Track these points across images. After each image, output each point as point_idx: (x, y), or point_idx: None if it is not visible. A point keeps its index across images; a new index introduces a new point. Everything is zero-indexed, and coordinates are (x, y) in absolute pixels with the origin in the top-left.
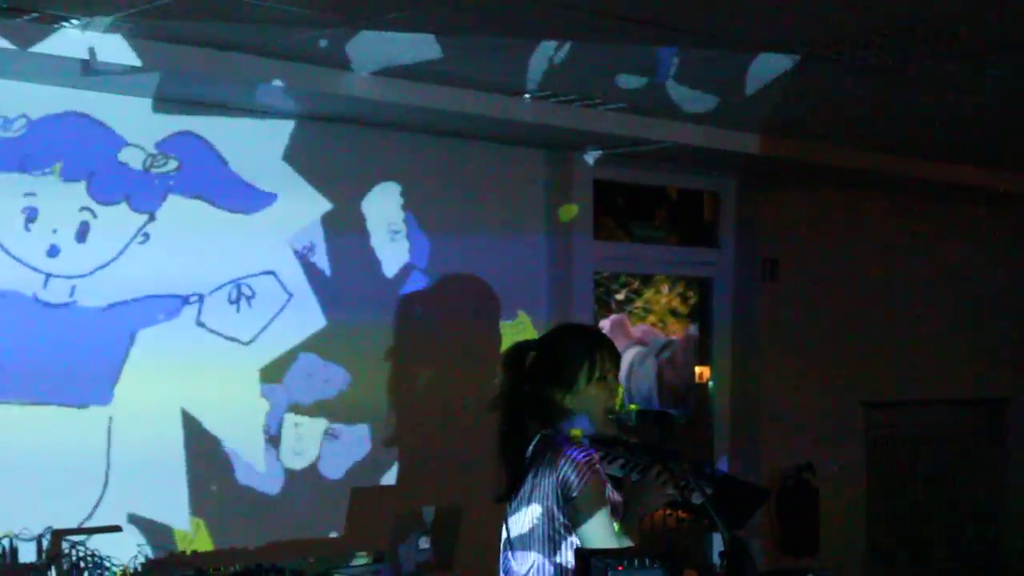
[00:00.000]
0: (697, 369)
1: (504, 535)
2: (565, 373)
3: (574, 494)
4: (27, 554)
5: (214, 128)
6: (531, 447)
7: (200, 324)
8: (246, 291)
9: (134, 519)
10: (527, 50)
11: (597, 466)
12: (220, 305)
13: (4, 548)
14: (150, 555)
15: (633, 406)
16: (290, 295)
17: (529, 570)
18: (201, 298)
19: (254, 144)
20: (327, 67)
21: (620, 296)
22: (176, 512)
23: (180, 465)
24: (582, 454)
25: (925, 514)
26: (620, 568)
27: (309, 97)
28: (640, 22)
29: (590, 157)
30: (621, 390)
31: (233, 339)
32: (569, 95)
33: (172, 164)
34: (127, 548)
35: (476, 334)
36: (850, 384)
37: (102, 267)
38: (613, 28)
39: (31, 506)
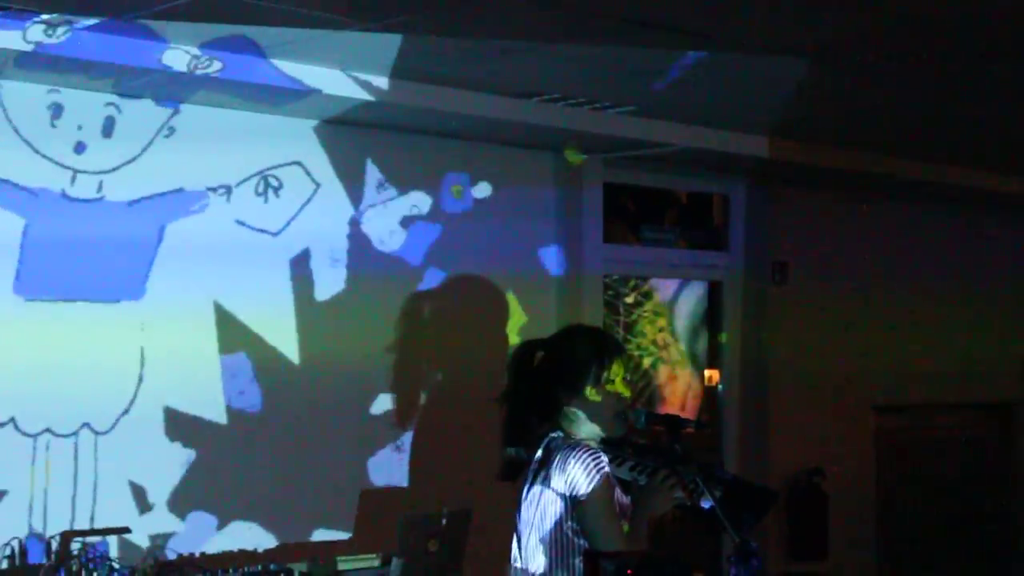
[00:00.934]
0: (707, 372)
1: (514, 541)
2: (572, 375)
3: (583, 497)
4: (36, 555)
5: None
6: (539, 450)
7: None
8: (273, 182)
9: (169, 413)
10: (535, 53)
11: (606, 469)
12: (248, 197)
13: (13, 549)
14: (159, 557)
15: (642, 409)
16: (317, 185)
17: (538, 572)
18: (229, 190)
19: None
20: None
21: (629, 299)
22: (211, 405)
23: (214, 357)
24: (591, 456)
25: (935, 518)
26: (630, 572)
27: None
28: (649, 25)
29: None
30: (628, 394)
31: (262, 231)
32: (578, 98)
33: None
34: (136, 549)
35: (485, 335)
36: (860, 388)
37: (129, 162)
38: (619, 31)
39: (66, 404)
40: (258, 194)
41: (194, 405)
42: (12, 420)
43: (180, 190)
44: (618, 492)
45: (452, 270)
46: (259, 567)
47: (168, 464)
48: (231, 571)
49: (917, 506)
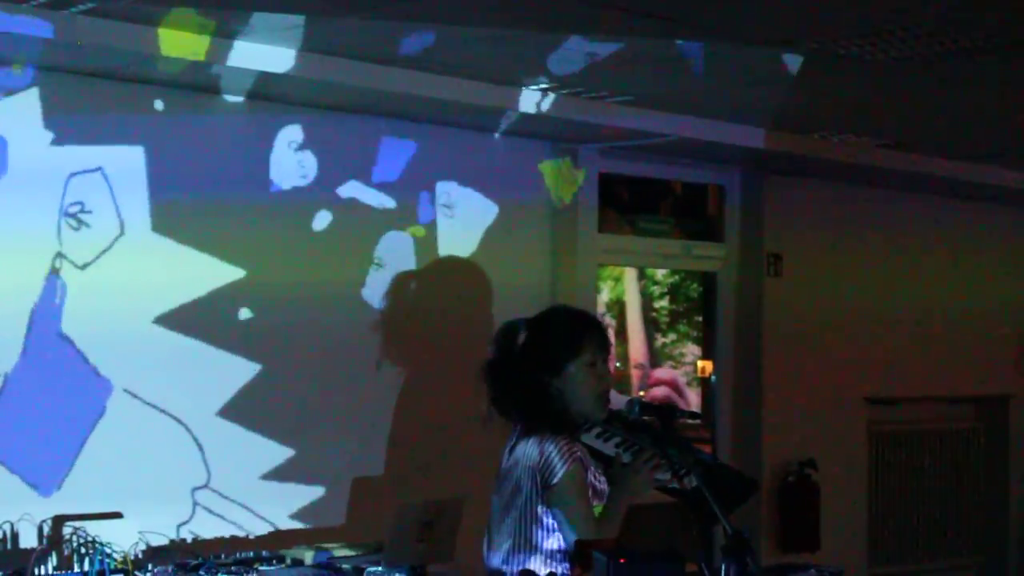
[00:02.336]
0: (700, 363)
1: (489, 521)
2: (553, 354)
3: (554, 481)
4: (28, 539)
5: None
6: (516, 430)
7: None
8: None
9: None
10: (532, 42)
11: (579, 454)
12: None
13: (5, 533)
14: (151, 542)
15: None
16: None
17: (504, 555)
18: None
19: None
20: (328, 55)
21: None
22: None
23: None
24: (566, 442)
25: (927, 510)
26: (623, 561)
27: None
28: (646, 15)
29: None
30: (609, 376)
31: None
32: (575, 87)
33: None
34: (128, 535)
35: (479, 323)
36: (853, 380)
37: None
38: (619, 21)
39: None
40: None
41: None
42: None
43: None
44: (592, 475)
45: (447, 259)
46: (251, 553)
47: None
48: (223, 556)
49: (909, 498)
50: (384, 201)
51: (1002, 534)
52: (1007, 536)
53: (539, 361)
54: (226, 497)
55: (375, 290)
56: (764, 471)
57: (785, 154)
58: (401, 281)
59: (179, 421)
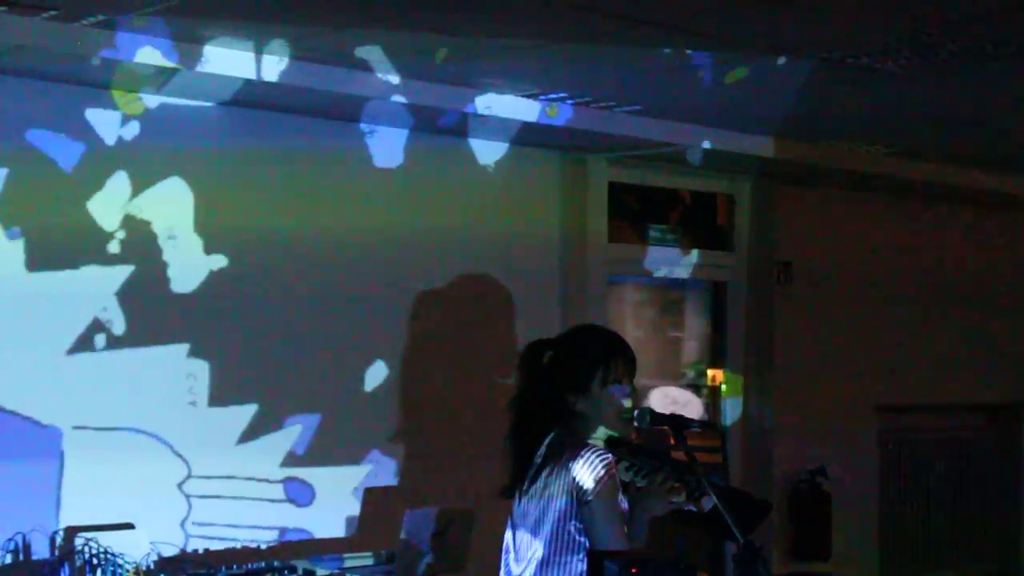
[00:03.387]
0: (709, 372)
1: (509, 535)
2: (579, 375)
3: (589, 498)
4: (40, 550)
5: None
6: (544, 446)
7: None
8: None
9: None
10: (542, 53)
11: (613, 471)
12: None
13: (17, 544)
14: (162, 553)
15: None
16: None
17: (534, 571)
18: None
19: None
20: (333, 65)
21: None
22: None
23: None
24: (600, 457)
25: (938, 519)
26: (634, 571)
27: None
28: (656, 25)
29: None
30: (635, 395)
31: None
32: (584, 97)
33: None
34: (139, 546)
35: (490, 334)
36: (864, 388)
37: None
38: (629, 31)
39: None
40: None
41: None
42: None
43: None
44: (620, 495)
45: (458, 268)
46: (262, 564)
47: None
48: (234, 567)
49: (920, 506)
50: None
51: (1014, 543)
52: (1019, 544)
53: (566, 380)
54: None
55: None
56: (775, 479)
57: (795, 163)
58: (423, 297)
59: (140, 431)
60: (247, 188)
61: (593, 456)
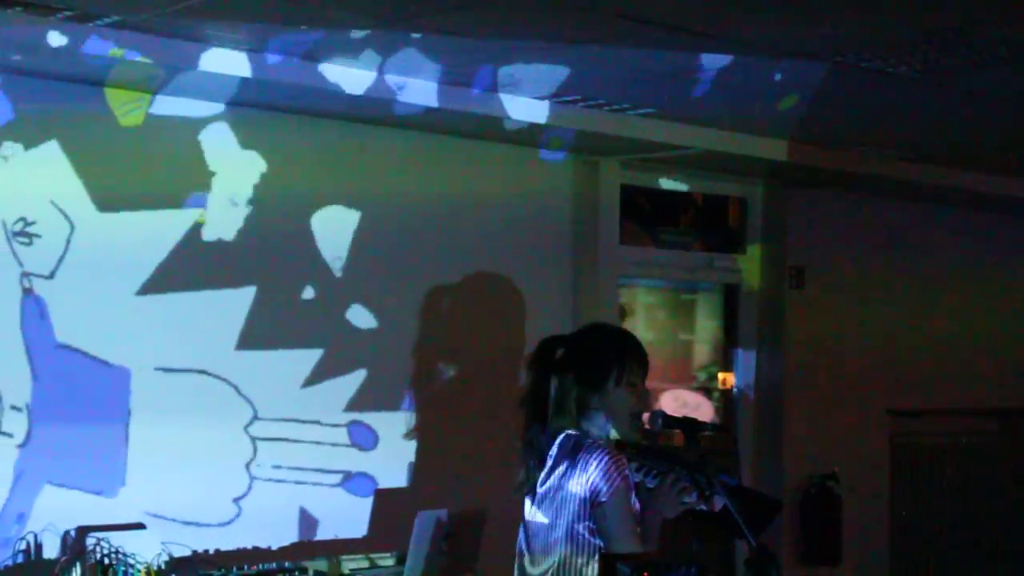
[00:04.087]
0: (720, 375)
1: (522, 536)
2: (592, 373)
3: (603, 499)
4: (51, 550)
5: None
6: (555, 446)
7: None
8: None
9: None
10: (554, 54)
11: (626, 471)
12: None
13: (29, 544)
14: (173, 553)
15: (660, 411)
16: None
17: (545, 571)
18: None
19: None
20: (350, 67)
21: None
22: None
23: None
24: (612, 458)
25: (949, 523)
26: (646, 574)
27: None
28: (669, 27)
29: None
30: (646, 397)
31: None
32: (597, 99)
33: None
34: (151, 545)
35: (501, 334)
36: (875, 392)
37: None
38: (642, 33)
39: None
40: None
41: None
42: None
43: None
44: (632, 496)
45: (469, 270)
46: (273, 564)
47: None
48: (245, 568)
49: (931, 511)
50: None
51: None
52: None
53: (579, 378)
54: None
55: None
56: (785, 484)
57: (808, 167)
58: (432, 296)
59: (206, 373)
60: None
61: (606, 457)
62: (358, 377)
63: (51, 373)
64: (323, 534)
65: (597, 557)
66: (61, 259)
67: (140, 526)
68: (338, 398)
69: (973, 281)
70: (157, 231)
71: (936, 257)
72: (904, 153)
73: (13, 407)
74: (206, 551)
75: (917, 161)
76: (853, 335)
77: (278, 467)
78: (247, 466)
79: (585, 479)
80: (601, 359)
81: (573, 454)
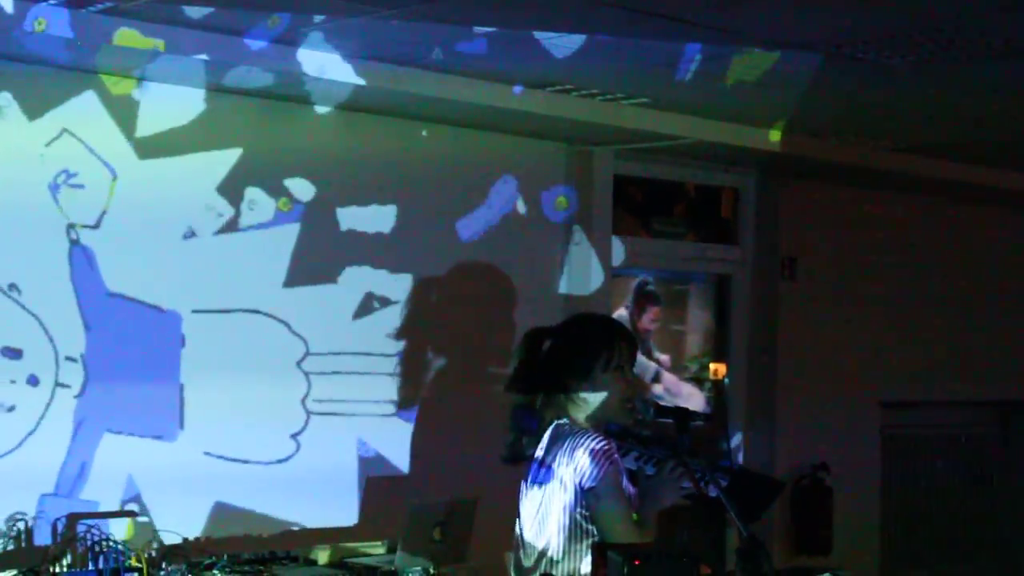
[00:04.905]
0: (712, 365)
1: (518, 527)
2: (582, 360)
3: (592, 484)
4: (42, 536)
5: None
6: (546, 436)
7: None
8: None
9: None
10: (548, 43)
11: (615, 456)
12: None
13: (19, 531)
14: (164, 541)
15: (651, 400)
16: None
17: (540, 560)
18: None
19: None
20: (346, 55)
21: None
22: None
23: None
24: (600, 443)
25: (940, 514)
26: (637, 563)
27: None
28: (663, 17)
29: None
30: (637, 381)
31: None
32: (590, 89)
33: None
34: (142, 532)
35: (492, 323)
36: (867, 383)
37: None
38: (636, 23)
39: None
40: None
41: None
42: None
43: None
44: (625, 481)
45: (458, 259)
46: (265, 552)
47: None
48: (237, 556)
49: (922, 502)
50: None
51: (1018, 540)
52: (1021, 541)
53: (568, 365)
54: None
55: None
56: (777, 474)
57: (801, 157)
58: (422, 286)
59: (257, 312)
60: None
61: (595, 443)
62: (458, 243)
63: (103, 322)
64: (379, 467)
65: (588, 545)
66: (105, 208)
67: (133, 514)
68: (388, 328)
69: (966, 273)
70: (198, 174)
71: (929, 249)
72: (898, 145)
73: (68, 358)
74: (196, 538)
75: (911, 153)
76: (845, 326)
77: (333, 400)
78: (302, 401)
79: (574, 466)
80: (590, 345)
81: (561, 442)
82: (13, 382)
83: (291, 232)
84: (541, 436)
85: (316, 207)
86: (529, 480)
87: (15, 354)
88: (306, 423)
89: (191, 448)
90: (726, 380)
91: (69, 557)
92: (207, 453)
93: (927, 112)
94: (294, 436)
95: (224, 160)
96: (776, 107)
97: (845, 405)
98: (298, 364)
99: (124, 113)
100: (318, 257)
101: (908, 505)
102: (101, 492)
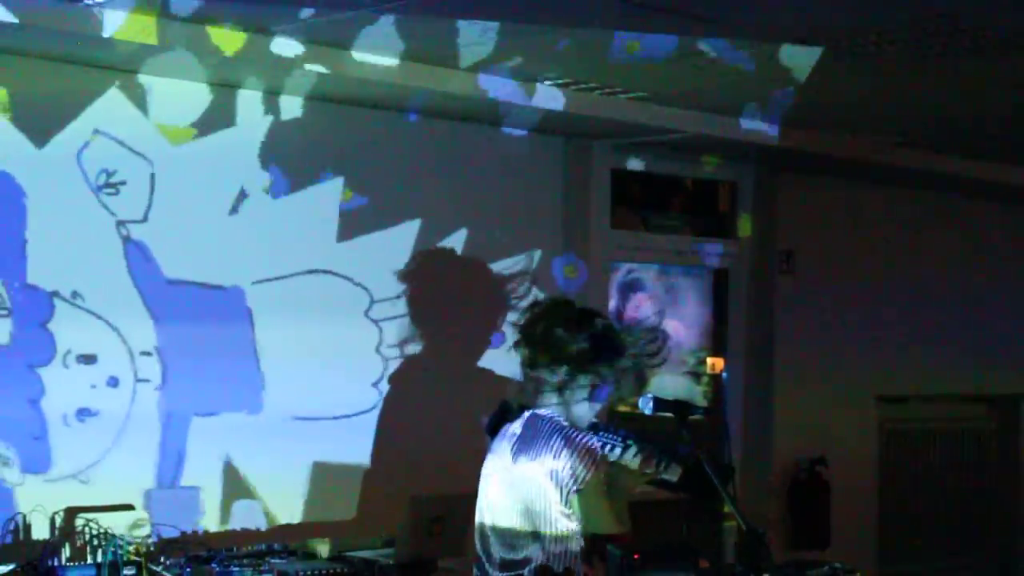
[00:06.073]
0: (710, 360)
1: (482, 518)
2: (562, 355)
3: (580, 484)
4: (40, 531)
5: None
6: (520, 423)
7: None
8: None
9: None
10: (548, 37)
11: (598, 455)
12: None
13: (18, 524)
14: (162, 534)
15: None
16: None
17: (524, 551)
18: None
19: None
20: (343, 49)
21: None
22: None
23: None
24: (589, 440)
25: (937, 508)
26: (636, 556)
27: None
28: (665, 11)
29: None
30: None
31: None
32: (589, 83)
33: None
34: (140, 526)
35: (483, 318)
36: (865, 378)
37: None
38: (638, 16)
39: None
40: None
41: None
42: None
43: None
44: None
45: (457, 251)
46: (263, 546)
47: None
48: (235, 549)
49: (919, 496)
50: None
51: (1014, 533)
52: (1019, 535)
53: (549, 360)
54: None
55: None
56: (774, 468)
57: (799, 151)
58: (401, 276)
59: (316, 271)
60: None
61: (580, 440)
62: (460, 236)
63: (169, 311)
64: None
65: (578, 538)
66: (150, 199)
67: (130, 507)
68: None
69: (965, 267)
70: (232, 149)
71: (928, 243)
72: (896, 138)
73: (143, 352)
74: (194, 532)
75: (909, 147)
76: (843, 320)
77: (406, 342)
78: (377, 349)
79: (560, 463)
80: (570, 341)
81: (539, 434)
82: (94, 387)
83: (334, 188)
84: (508, 417)
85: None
86: (508, 464)
87: (90, 360)
88: (384, 370)
89: (279, 416)
90: (724, 374)
91: (68, 550)
92: (296, 417)
93: (925, 105)
94: (374, 384)
95: (254, 132)
96: (774, 101)
97: (843, 399)
98: (365, 314)
99: (150, 103)
100: (364, 206)
101: (906, 499)
102: (201, 477)
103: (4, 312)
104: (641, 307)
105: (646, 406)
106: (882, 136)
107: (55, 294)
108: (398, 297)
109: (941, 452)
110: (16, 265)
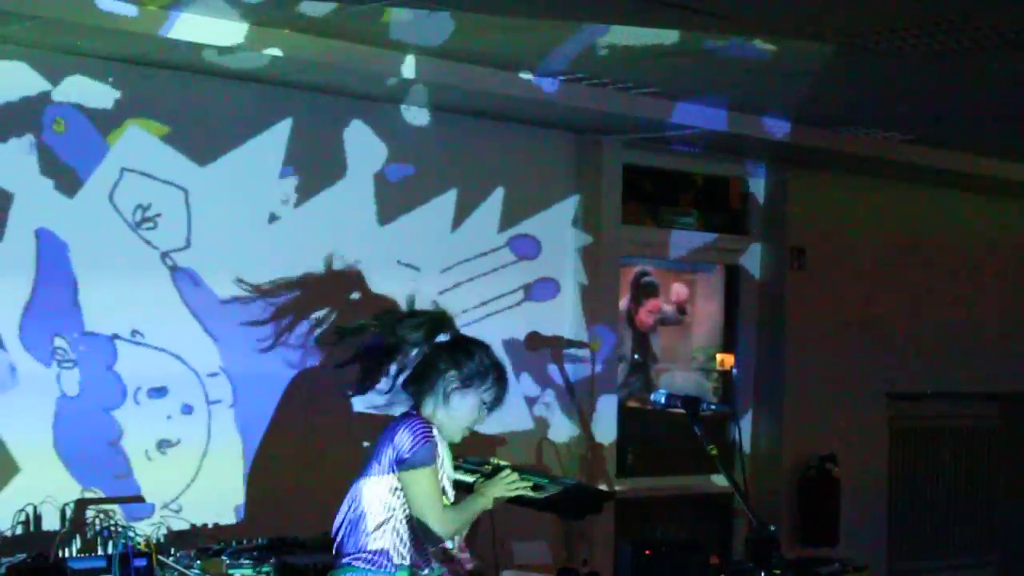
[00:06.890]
0: (720, 356)
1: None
2: (468, 375)
3: (407, 455)
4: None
5: None
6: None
7: None
8: None
9: None
10: (560, 31)
11: (434, 436)
12: None
13: (28, 515)
14: (172, 527)
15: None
16: None
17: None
18: None
19: None
20: (361, 44)
21: None
22: None
23: None
24: (420, 423)
25: (947, 506)
26: (647, 552)
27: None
28: (676, 6)
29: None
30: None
31: None
32: (601, 78)
33: None
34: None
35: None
36: (875, 375)
37: None
38: (648, 11)
39: None
40: None
41: None
42: None
43: None
44: (441, 473)
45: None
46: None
47: None
48: (244, 542)
49: (929, 494)
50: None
51: (1023, 530)
52: None
53: (454, 368)
54: None
55: None
56: (784, 465)
57: (810, 148)
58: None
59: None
60: None
61: (415, 423)
62: (498, 196)
63: (227, 329)
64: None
65: (404, 519)
66: (189, 225)
67: (140, 499)
68: (490, 223)
69: (976, 264)
70: (258, 159)
71: (939, 240)
72: (906, 135)
73: (210, 374)
74: (204, 525)
75: (920, 143)
76: (854, 318)
77: (465, 311)
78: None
79: (392, 445)
80: (435, 367)
81: (391, 428)
82: (169, 418)
83: (367, 173)
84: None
85: None
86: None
87: (161, 392)
88: None
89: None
90: (734, 370)
91: (78, 541)
92: (372, 407)
93: (937, 103)
94: None
95: (278, 137)
96: (786, 98)
97: (853, 396)
98: (416, 292)
99: (170, 129)
100: (397, 187)
101: (915, 496)
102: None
103: (69, 364)
104: (653, 312)
105: (658, 401)
106: (895, 133)
107: (115, 336)
108: (448, 268)
109: (951, 450)
110: (72, 317)
